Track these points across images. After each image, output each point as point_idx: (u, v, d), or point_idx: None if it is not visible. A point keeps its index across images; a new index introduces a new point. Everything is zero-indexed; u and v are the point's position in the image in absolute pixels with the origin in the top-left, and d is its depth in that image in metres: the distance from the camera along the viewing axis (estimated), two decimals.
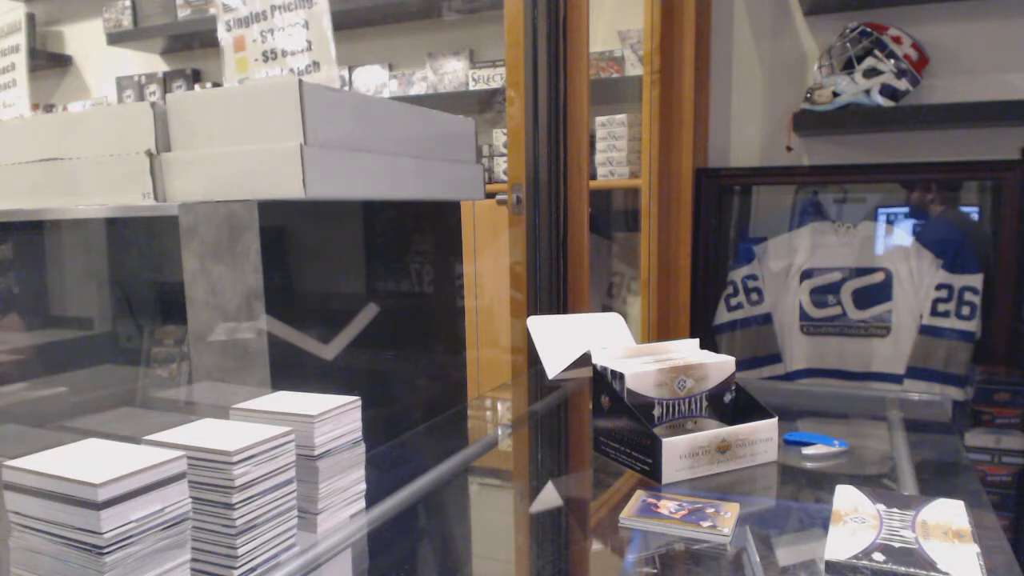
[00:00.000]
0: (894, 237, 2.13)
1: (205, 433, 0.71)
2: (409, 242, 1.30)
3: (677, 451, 0.94)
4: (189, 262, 1.01)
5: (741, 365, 1.41)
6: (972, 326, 1.99)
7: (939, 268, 2.04)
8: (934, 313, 2.03)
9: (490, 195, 1.86)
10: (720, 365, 1.06)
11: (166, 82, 3.40)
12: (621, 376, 1.01)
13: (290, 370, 1.00)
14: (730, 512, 0.83)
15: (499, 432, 1.29)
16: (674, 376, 1.03)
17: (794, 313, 2.20)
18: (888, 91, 2.01)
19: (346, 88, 2.68)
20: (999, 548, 0.74)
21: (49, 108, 3.60)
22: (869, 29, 2.02)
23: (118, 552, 0.58)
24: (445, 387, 1.41)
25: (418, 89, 2.86)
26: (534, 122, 1.77)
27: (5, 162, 1.13)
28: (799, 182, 2.30)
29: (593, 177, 2.35)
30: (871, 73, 2.01)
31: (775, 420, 1.01)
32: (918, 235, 2.11)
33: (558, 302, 1.84)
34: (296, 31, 1.16)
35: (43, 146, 1.09)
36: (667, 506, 0.85)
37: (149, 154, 1.00)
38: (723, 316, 2.27)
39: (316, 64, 1.16)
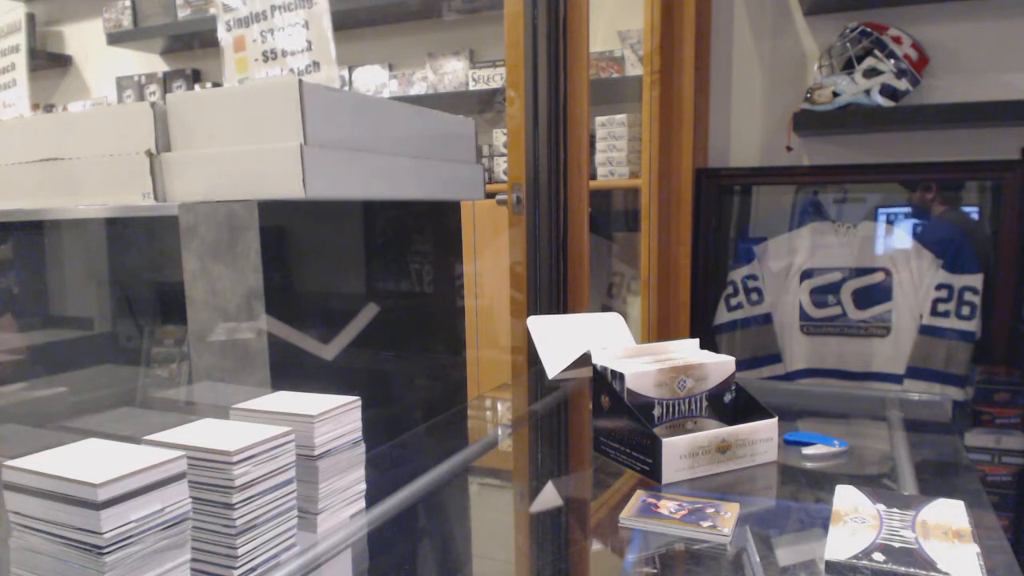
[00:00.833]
0: (894, 237, 2.13)
1: (205, 433, 0.71)
2: (409, 242, 1.30)
3: (677, 451, 0.94)
4: (189, 262, 1.01)
5: (741, 365, 1.41)
6: (972, 326, 1.99)
7: (939, 268, 2.04)
8: (934, 313, 2.03)
9: (490, 195, 1.86)
10: (720, 365, 1.06)
11: (166, 82, 3.40)
12: (621, 376, 1.01)
13: (290, 370, 1.00)
14: (730, 512, 0.83)
15: (499, 432, 1.29)
16: (674, 376, 1.03)
17: (794, 313, 2.20)
18: (888, 91, 2.01)
19: (346, 88, 2.68)
20: (999, 548, 0.74)
21: (49, 108, 3.60)
22: (869, 29, 2.02)
23: (118, 552, 0.58)
24: (445, 387, 1.41)
25: (418, 89, 2.86)
26: (534, 122, 1.77)
27: (5, 162, 1.13)
28: (799, 182, 2.29)
29: (593, 177, 2.34)
30: (871, 73, 2.01)
31: (775, 420, 1.01)
32: (918, 235, 2.11)
33: (558, 302, 1.84)
34: (296, 31, 1.16)
35: (43, 146, 1.09)
36: (667, 506, 0.85)
37: (149, 154, 0.99)
38: (723, 316, 2.27)
39: (316, 64, 1.16)
